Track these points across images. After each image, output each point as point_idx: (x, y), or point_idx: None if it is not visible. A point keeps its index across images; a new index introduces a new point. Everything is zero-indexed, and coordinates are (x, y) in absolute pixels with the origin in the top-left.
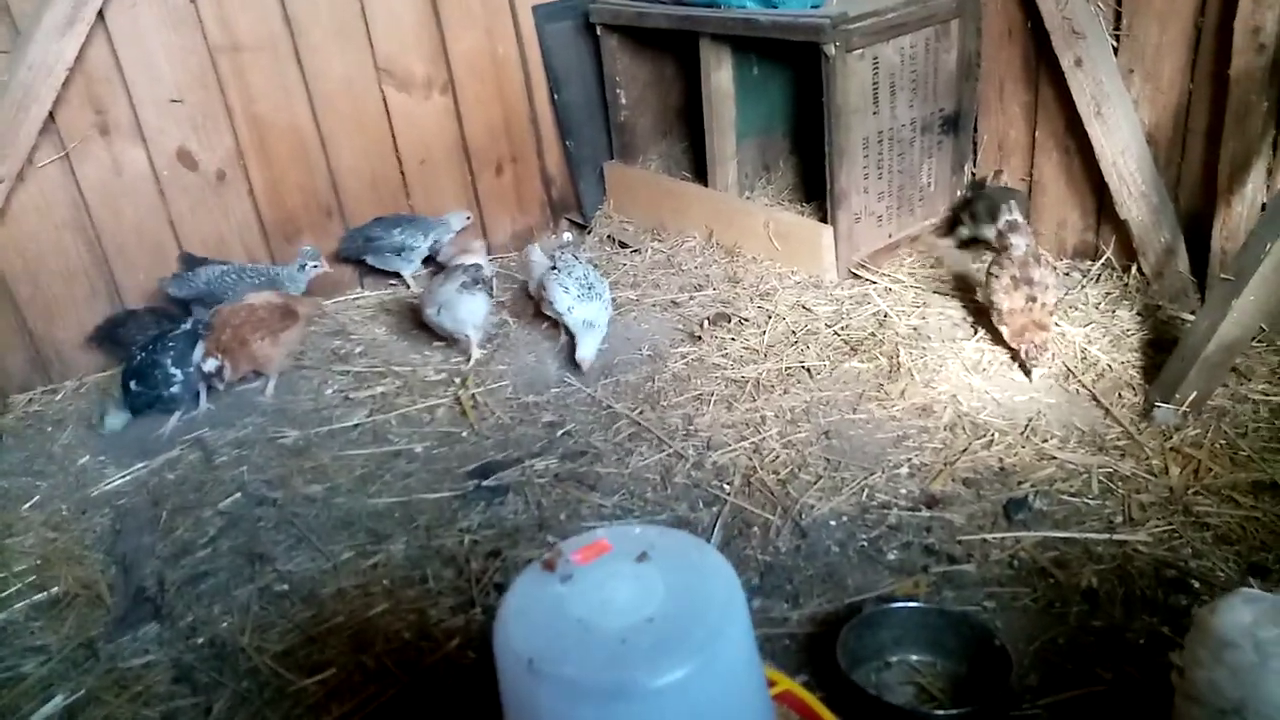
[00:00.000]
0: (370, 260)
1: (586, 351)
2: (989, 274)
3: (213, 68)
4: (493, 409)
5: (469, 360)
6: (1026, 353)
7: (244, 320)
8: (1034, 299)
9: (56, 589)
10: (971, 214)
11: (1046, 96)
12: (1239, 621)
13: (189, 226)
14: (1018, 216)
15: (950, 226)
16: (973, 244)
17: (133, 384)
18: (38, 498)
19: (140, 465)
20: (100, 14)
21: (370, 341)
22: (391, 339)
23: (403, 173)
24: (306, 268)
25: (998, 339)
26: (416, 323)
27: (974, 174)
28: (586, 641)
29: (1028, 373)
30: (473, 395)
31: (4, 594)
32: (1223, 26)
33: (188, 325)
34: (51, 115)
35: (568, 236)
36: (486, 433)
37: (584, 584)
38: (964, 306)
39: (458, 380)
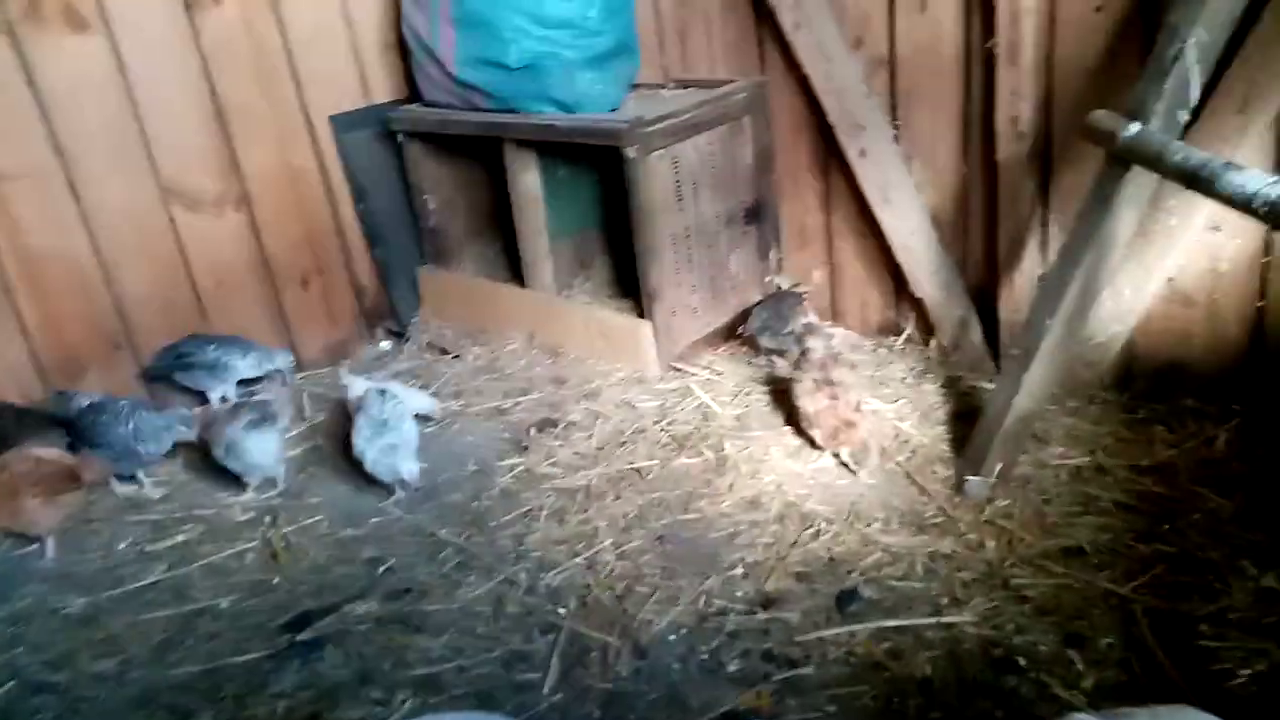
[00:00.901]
0: (181, 379)
1: (408, 470)
2: (791, 380)
3: None
4: (307, 549)
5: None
6: (850, 455)
7: (23, 472)
8: (836, 398)
9: None
10: (762, 326)
11: (838, 185)
12: None
13: None
14: (813, 319)
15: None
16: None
17: None
18: None
19: None
20: None
21: (169, 481)
22: (191, 478)
23: (198, 295)
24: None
25: (815, 445)
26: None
27: (779, 285)
28: None
29: (853, 471)
30: (284, 535)
31: None
32: (986, 116)
33: None
34: None
35: (385, 346)
36: (301, 577)
37: None
38: (781, 393)
39: (267, 519)
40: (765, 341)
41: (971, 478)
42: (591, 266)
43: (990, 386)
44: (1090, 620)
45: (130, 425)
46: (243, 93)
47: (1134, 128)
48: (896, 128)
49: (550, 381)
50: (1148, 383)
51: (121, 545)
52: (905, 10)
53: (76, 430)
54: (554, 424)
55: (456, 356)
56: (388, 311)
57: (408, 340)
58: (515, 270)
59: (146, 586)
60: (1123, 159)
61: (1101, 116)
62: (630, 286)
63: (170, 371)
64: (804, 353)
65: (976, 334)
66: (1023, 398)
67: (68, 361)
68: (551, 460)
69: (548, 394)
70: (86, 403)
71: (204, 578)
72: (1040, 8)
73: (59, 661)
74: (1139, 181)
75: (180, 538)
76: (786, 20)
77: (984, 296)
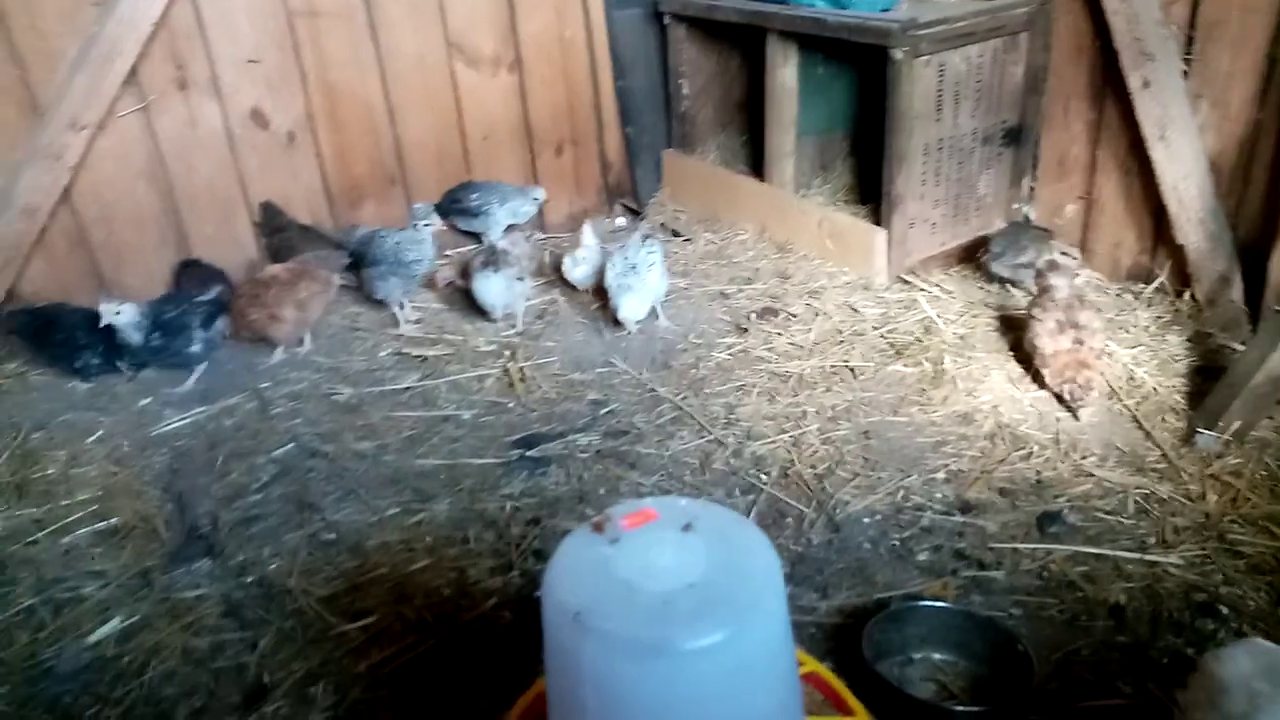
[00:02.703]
0: (455, 221)
1: (626, 312)
2: (1031, 317)
3: (290, 31)
4: (539, 383)
5: (510, 327)
6: (1071, 394)
7: (246, 294)
8: (1080, 343)
9: (116, 520)
10: (997, 253)
11: (1111, 116)
12: (1240, 671)
13: (258, 184)
14: (1057, 256)
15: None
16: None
17: (156, 336)
18: (101, 432)
19: (199, 409)
20: None
21: (424, 308)
22: (444, 307)
23: (466, 147)
24: (419, 226)
25: (1039, 380)
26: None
27: (1026, 214)
28: (630, 600)
29: (1074, 413)
30: (521, 368)
31: (69, 519)
32: None
33: (213, 294)
34: (134, 68)
35: (621, 221)
36: (532, 405)
37: (630, 547)
38: (1012, 321)
39: (507, 353)
40: (996, 268)
41: (1204, 431)
42: (832, 169)
43: (1242, 348)
44: None
45: (394, 240)
46: None
47: None
48: (1188, 62)
49: (775, 275)
50: None
51: (382, 353)
52: None
53: (358, 254)
54: (774, 313)
55: (688, 240)
56: (629, 189)
57: (643, 218)
58: (755, 165)
59: (401, 390)
60: None
61: None
62: (868, 194)
63: (445, 214)
64: (1045, 290)
65: (1237, 292)
66: (1278, 358)
67: (351, 190)
68: (768, 346)
69: (771, 286)
70: (368, 231)
71: (449, 391)
72: None
73: (328, 436)
74: None
75: (431, 354)
76: None
77: (1252, 255)
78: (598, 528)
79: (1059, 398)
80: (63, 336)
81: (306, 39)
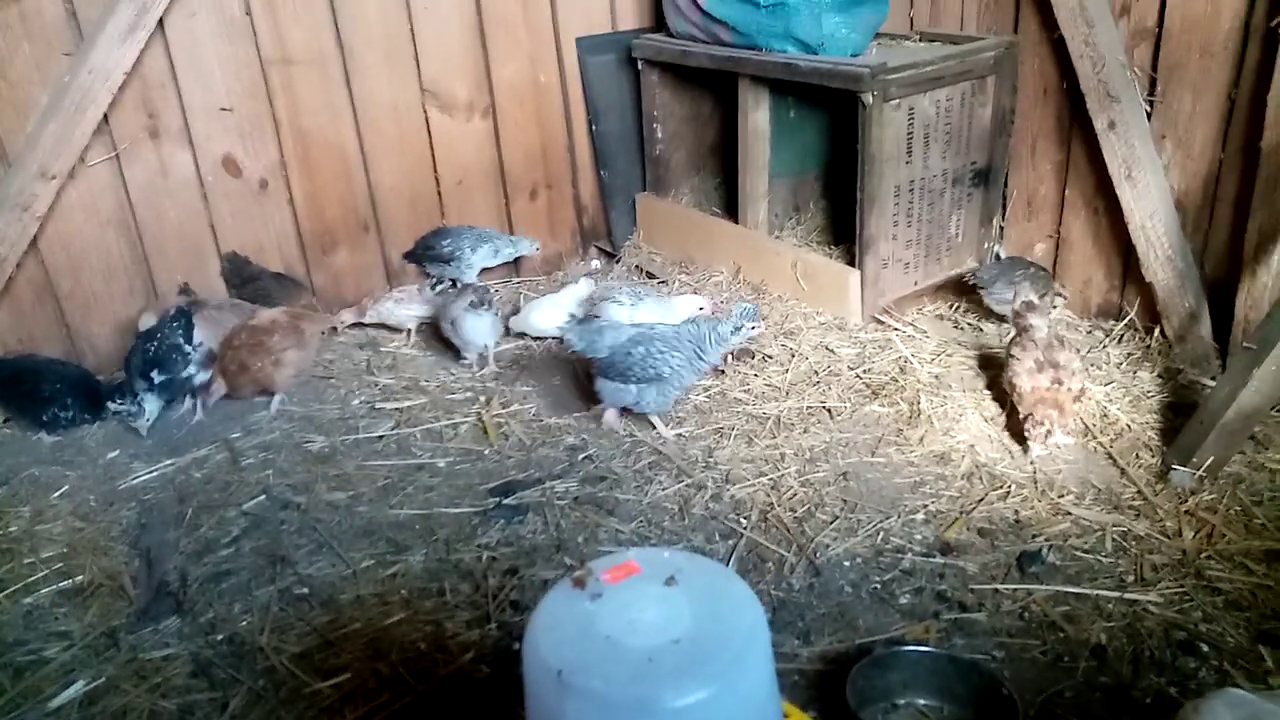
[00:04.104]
0: (428, 268)
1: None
2: (1010, 356)
3: (263, 79)
4: (515, 429)
5: (480, 369)
6: (1030, 427)
7: (244, 343)
8: (1059, 383)
9: (81, 577)
10: (990, 280)
11: (1078, 156)
12: None
13: (229, 232)
14: (1034, 297)
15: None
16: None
17: (155, 374)
18: (67, 487)
19: (168, 462)
20: (161, 22)
21: (398, 355)
22: (419, 354)
23: (439, 192)
24: (743, 330)
25: (1012, 414)
26: (443, 339)
27: (998, 253)
28: (614, 658)
29: (1025, 446)
30: (495, 415)
31: (32, 579)
32: (1256, 100)
33: (182, 304)
34: (106, 117)
35: (596, 264)
36: (508, 452)
37: (613, 603)
38: (986, 360)
39: (481, 399)
40: (985, 297)
41: (1178, 467)
42: (806, 210)
43: (1212, 384)
44: None
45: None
46: (504, 8)
47: None
48: (1151, 104)
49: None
50: None
51: (355, 401)
52: None
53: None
54: (750, 355)
55: (663, 282)
56: (604, 232)
57: (618, 261)
58: (729, 207)
59: (375, 438)
60: None
61: None
62: (841, 235)
63: (419, 260)
64: (1024, 329)
65: (1206, 328)
66: (1249, 393)
67: (324, 236)
68: (745, 388)
69: None
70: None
71: (424, 439)
72: None
73: (300, 487)
74: None
75: (406, 403)
76: None
77: (1220, 291)
78: (579, 583)
79: (1017, 432)
80: (28, 388)
81: (279, 87)
